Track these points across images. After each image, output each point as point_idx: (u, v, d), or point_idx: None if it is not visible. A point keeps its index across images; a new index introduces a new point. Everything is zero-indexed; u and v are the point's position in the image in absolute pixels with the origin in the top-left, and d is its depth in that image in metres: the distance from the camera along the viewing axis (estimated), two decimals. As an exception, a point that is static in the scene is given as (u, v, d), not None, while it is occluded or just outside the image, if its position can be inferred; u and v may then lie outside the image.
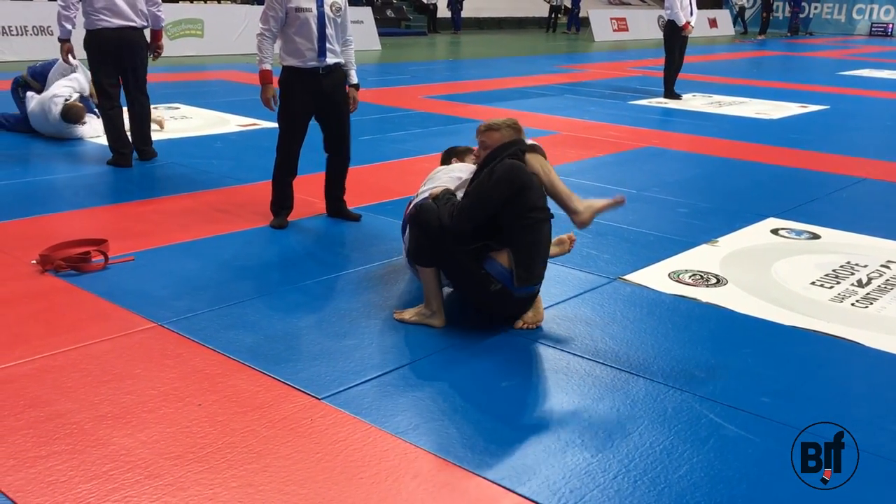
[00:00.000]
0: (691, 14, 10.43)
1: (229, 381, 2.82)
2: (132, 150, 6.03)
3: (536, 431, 2.59)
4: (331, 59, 4.46)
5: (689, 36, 10.68)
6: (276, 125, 7.81)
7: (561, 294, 3.73)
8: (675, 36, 10.42)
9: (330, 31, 4.42)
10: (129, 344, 3.09)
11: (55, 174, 5.78)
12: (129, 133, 6.09)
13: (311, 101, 4.51)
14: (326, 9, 4.39)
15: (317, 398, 2.73)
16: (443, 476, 2.34)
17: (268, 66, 4.48)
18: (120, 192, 5.41)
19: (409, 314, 3.38)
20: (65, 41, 5.83)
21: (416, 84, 11.64)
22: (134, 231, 4.49)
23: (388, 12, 24.06)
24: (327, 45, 4.41)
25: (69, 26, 5.71)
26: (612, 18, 24.03)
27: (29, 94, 6.94)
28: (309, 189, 5.46)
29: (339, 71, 4.57)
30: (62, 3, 5.65)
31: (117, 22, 5.69)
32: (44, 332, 3.16)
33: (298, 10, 4.34)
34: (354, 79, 4.68)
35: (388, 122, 8.41)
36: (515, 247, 3.23)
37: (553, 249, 3.60)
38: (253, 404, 2.67)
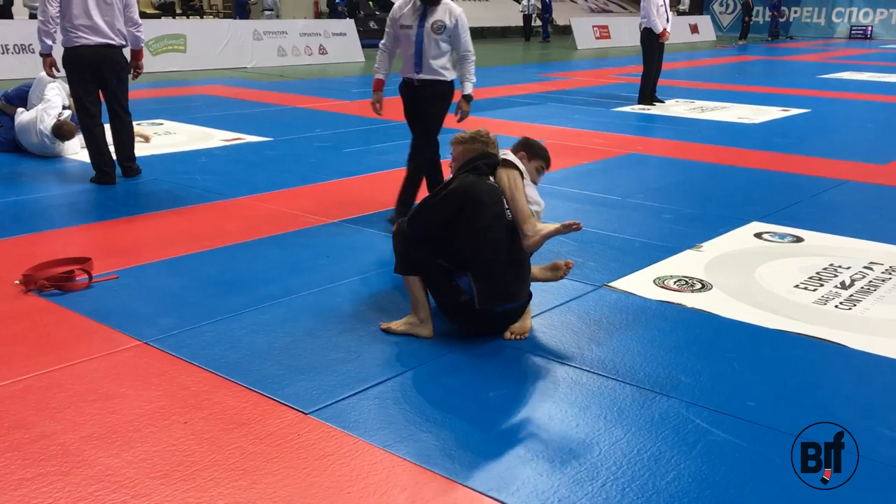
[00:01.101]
0: (667, 21, 10.52)
1: (215, 398, 2.81)
2: (115, 167, 6.01)
3: (524, 441, 2.59)
4: (426, 74, 4.79)
5: (671, 42, 10.76)
6: (259, 139, 7.85)
7: (547, 302, 3.74)
8: (652, 43, 10.50)
9: (428, 47, 4.73)
10: (114, 363, 3.07)
11: (38, 193, 5.75)
12: (112, 150, 6.07)
13: (411, 109, 4.92)
14: (427, 27, 4.70)
15: (304, 413, 2.72)
16: (431, 488, 2.33)
17: (379, 76, 4.98)
18: (103, 210, 5.39)
19: (396, 325, 3.38)
20: (46, 56, 5.83)
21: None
22: (118, 249, 4.47)
23: (372, 24, 24.09)
24: (423, 59, 4.75)
25: (49, 41, 5.72)
26: (594, 26, 24.17)
27: (20, 109, 6.93)
28: (293, 203, 5.46)
29: (440, 85, 4.84)
30: (41, 19, 5.66)
31: (96, 39, 5.68)
32: (28, 352, 3.14)
33: (403, 27, 4.79)
34: (467, 90, 4.92)
35: (373, 133, 8.42)
36: (473, 265, 3.23)
37: (545, 274, 3.55)
38: (239, 421, 2.66)
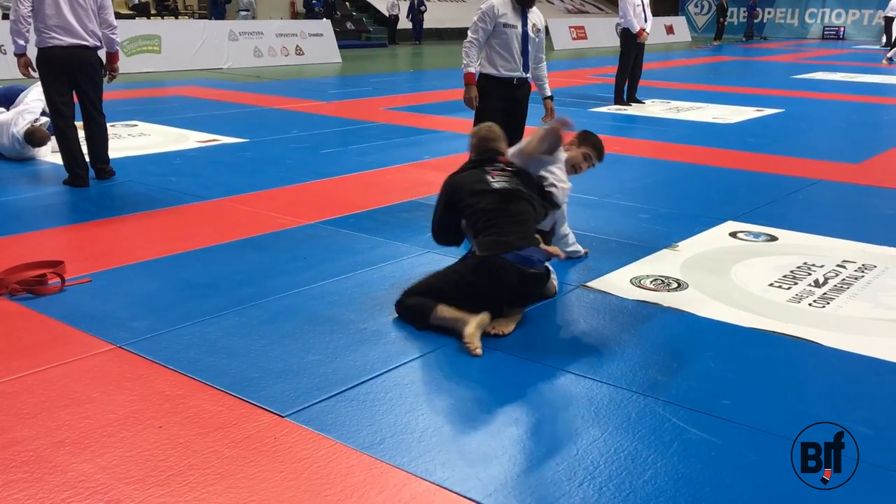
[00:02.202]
0: (646, 20, 10.56)
1: (191, 402, 2.78)
2: (88, 169, 5.94)
3: (502, 442, 2.59)
4: (526, 72, 5.11)
5: (647, 42, 10.82)
6: (234, 140, 7.79)
7: (524, 303, 3.74)
8: (630, 43, 10.55)
9: (530, 48, 5.03)
10: (88, 367, 3.03)
11: (8, 195, 5.67)
12: (85, 152, 6.01)
13: (503, 106, 5.06)
14: (529, 28, 4.98)
15: (280, 416, 2.70)
16: (409, 490, 2.33)
17: (472, 70, 5.08)
18: (76, 213, 5.33)
19: (474, 330, 3.23)
20: (20, 56, 5.77)
21: (378, 96, 11.66)
22: (91, 252, 4.42)
23: (348, 24, 24.06)
24: (527, 60, 5.04)
25: (21, 41, 5.67)
26: (570, 27, 24.28)
27: (0, 108, 6.85)
28: (270, 205, 5.43)
29: (528, 83, 5.19)
30: (13, 19, 5.61)
31: (68, 40, 5.62)
32: (-1, 357, 3.09)
33: (506, 25, 4.94)
34: (549, 91, 5.35)
35: (350, 134, 8.40)
36: (473, 231, 3.55)
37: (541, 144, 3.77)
38: (215, 424, 2.64)
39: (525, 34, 4.96)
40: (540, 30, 5.07)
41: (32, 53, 5.71)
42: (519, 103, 5.16)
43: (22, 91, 7.04)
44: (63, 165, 5.94)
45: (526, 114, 5.23)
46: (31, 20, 5.60)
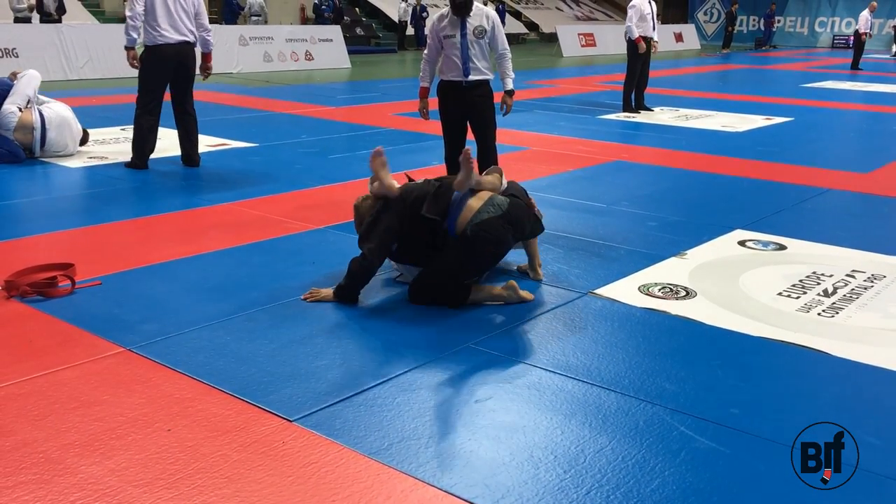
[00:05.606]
0: (653, 29, 10.53)
1: (199, 406, 2.79)
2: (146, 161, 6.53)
3: (509, 448, 2.59)
4: (474, 76, 5.30)
5: (656, 50, 10.80)
6: (244, 145, 7.84)
7: (532, 310, 3.75)
8: (633, 51, 10.53)
9: (474, 52, 5.24)
10: (97, 370, 3.05)
11: (18, 198, 5.71)
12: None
13: (458, 108, 5.39)
14: (469, 35, 5.21)
15: (289, 420, 2.71)
16: (416, 496, 2.33)
17: (424, 84, 5.50)
18: (86, 215, 5.35)
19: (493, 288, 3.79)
20: (130, 49, 6.37)
21: (387, 101, 11.68)
22: (101, 254, 4.44)
23: (358, 30, 24.15)
24: (470, 64, 5.25)
25: (134, 35, 6.29)
26: (580, 34, 24.30)
27: (43, 97, 7.06)
28: (278, 209, 5.45)
29: (486, 85, 5.39)
30: (129, 15, 6.25)
31: (176, 37, 6.26)
32: (9, 359, 3.11)
33: (446, 36, 5.26)
34: (509, 86, 5.51)
35: (359, 139, 8.42)
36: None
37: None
38: (224, 428, 2.65)
39: (464, 42, 5.19)
40: (486, 30, 5.22)
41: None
42: (474, 105, 5.35)
43: (7, 84, 7.04)
44: (132, 150, 6.57)
45: (486, 114, 5.40)
46: (143, 17, 6.20)
